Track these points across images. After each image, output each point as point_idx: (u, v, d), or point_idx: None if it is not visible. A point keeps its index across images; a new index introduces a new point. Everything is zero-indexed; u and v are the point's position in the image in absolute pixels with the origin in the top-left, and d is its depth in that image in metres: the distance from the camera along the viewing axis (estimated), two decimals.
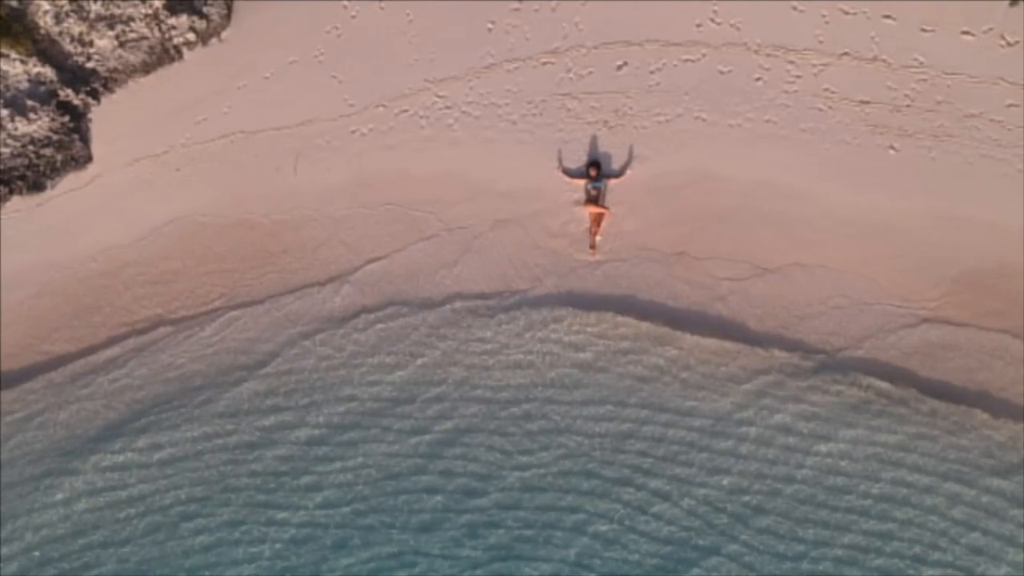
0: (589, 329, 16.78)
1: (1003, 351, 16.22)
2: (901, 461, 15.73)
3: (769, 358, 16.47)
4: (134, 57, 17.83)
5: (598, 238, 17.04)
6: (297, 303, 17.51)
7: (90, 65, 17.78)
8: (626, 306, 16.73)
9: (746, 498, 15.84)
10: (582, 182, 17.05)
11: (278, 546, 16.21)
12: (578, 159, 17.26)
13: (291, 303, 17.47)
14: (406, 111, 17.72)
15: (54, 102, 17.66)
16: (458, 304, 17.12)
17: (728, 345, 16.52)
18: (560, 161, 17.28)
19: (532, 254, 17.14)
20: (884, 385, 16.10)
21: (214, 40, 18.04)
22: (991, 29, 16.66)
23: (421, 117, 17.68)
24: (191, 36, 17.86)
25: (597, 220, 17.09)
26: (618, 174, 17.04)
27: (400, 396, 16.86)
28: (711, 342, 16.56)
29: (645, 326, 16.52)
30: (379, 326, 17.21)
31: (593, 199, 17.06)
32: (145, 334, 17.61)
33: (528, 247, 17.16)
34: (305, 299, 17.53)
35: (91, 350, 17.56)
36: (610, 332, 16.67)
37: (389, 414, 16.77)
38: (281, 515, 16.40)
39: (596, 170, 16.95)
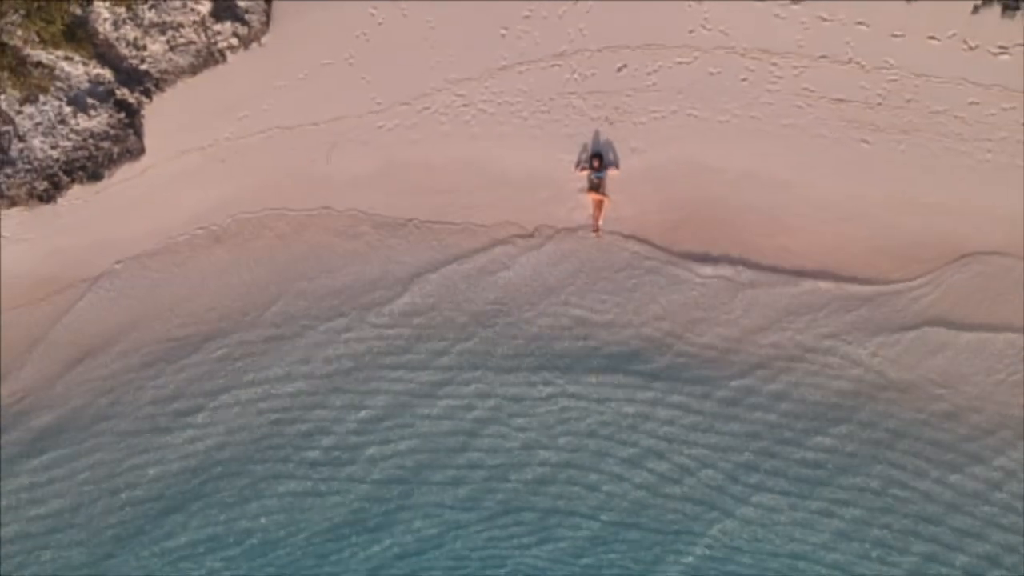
0: None
1: None
2: None
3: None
4: (183, 60, 19.71)
5: (600, 222, 18.92)
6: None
7: (144, 67, 19.68)
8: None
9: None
10: (586, 172, 18.93)
11: None
12: (583, 150, 19.16)
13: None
14: (428, 108, 19.55)
15: (111, 100, 19.58)
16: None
17: None
18: (580, 158, 19.12)
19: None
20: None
21: (255, 44, 19.85)
22: (954, 34, 18.40)
23: (441, 114, 19.52)
24: (234, 41, 19.69)
25: (599, 206, 18.97)
26: (617, 165, 18.91)
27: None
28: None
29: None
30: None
31: (596, 187, 18.90)
32: None
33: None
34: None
35: None
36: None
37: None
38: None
39: (599, 161, 18.82)
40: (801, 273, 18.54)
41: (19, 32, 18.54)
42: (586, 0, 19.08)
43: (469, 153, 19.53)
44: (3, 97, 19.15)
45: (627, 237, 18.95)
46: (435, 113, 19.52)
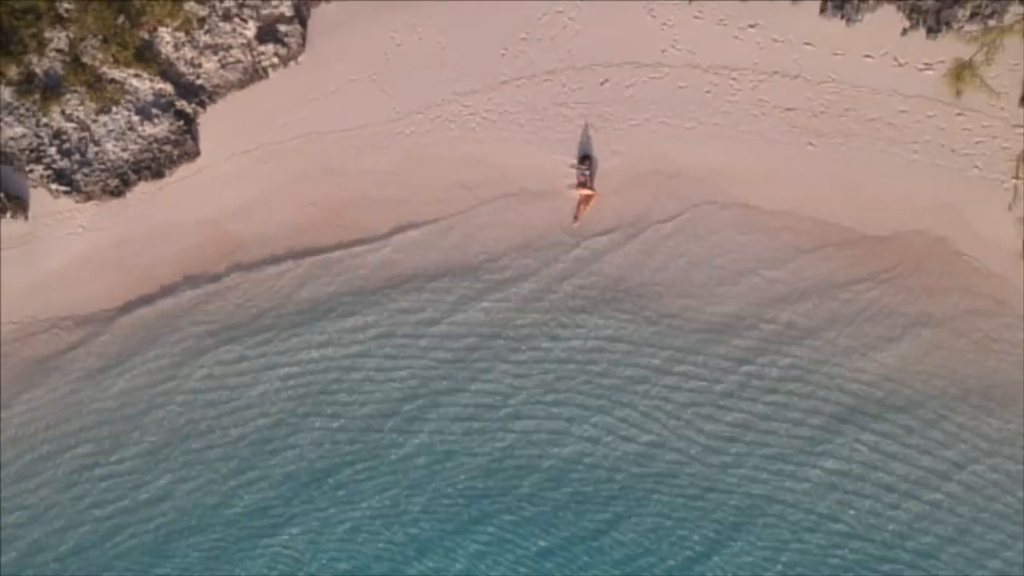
0: None
1: None
2: None
3: None
4: (232, 76, 23.31)
5: (587, 212, 22.23)
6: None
7: (199, 82, 23.30)
8: None
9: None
10: (574, 171, 22.29)
11: None
12: (572, 153, 22.50)
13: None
14: (439, 117, 23.04)
15: (172, 110, 23.18)
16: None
17: None
18: (576, 158, 22.41)
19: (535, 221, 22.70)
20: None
21: (293, 63, 23.49)
22: (886, 53, 21.70)
23: (450, 122, 23.02)
24: (275, 60, 23.31)
25: (586, 200, 22.31)
26: (597, 165, 22.21)
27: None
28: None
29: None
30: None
31: (583, 183, 22.27)
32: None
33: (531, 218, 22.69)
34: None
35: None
36: None
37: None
38: None
39: (586, 161, 22.17)
40: None
41: (98, 54, 22.08)
42: (574, 24, 22.46)
43: (474, 153, 22.91)
44: (82, 108, 22.74)
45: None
46: (445, 121, 23.04)
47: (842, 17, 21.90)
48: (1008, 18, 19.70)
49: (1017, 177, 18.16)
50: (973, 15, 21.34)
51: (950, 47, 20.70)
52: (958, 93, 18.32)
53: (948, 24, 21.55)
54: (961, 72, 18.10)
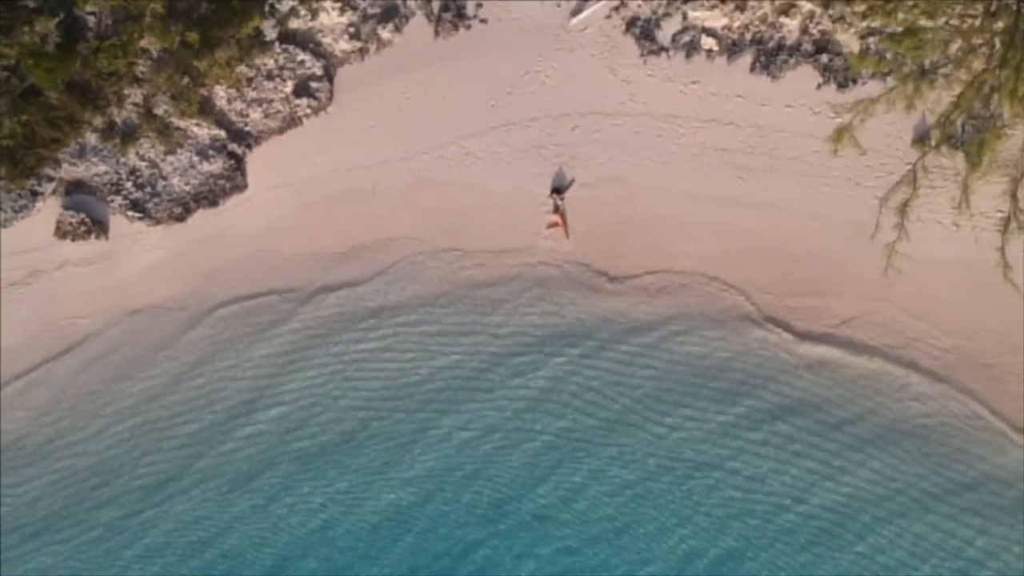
0: None
1: None
2: None
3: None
4: (273, 123, 27.78)
5: (556, 231, 26.97)
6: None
7: (247, 129, 27.84)
8: None
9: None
10: (551, 199, 27.17)
11: None
12: (547, 184, 27.19)
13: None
14: (442, 156, 27.31)
15: (225, 152, 27.82)
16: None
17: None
18: (551, 188, 26.85)
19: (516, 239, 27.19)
20: None
21: (323, 113, 27.53)
22: (804, 104, 26.00)
23: (450, 160, 27.34)
24: (308, 110, 27.64)
25: (557, 222, 27.12)
26: (567, 195, 27.04)
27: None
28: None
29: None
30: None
31: (557, 209, 27.18)
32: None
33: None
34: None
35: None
36: None
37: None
38: None
39: (559, 192, 27.10)
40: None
41: (167, 108, 27.32)
42: (550, 80, 27.27)
43: (469, 185, 27.54)
44: (153, 150, 27.86)
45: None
46: (446, 159, 27.32)
47: (768, 74, 26.14)
48: (890, 82, 24.31)
49: (881, 209, 22.57)
50: (873, 74, 26.22)
51: (855, 98, 25.26)
52: (835, 151, 22.76)
53: (854, 80, 26.27)
54: (840, 134, 22.55)
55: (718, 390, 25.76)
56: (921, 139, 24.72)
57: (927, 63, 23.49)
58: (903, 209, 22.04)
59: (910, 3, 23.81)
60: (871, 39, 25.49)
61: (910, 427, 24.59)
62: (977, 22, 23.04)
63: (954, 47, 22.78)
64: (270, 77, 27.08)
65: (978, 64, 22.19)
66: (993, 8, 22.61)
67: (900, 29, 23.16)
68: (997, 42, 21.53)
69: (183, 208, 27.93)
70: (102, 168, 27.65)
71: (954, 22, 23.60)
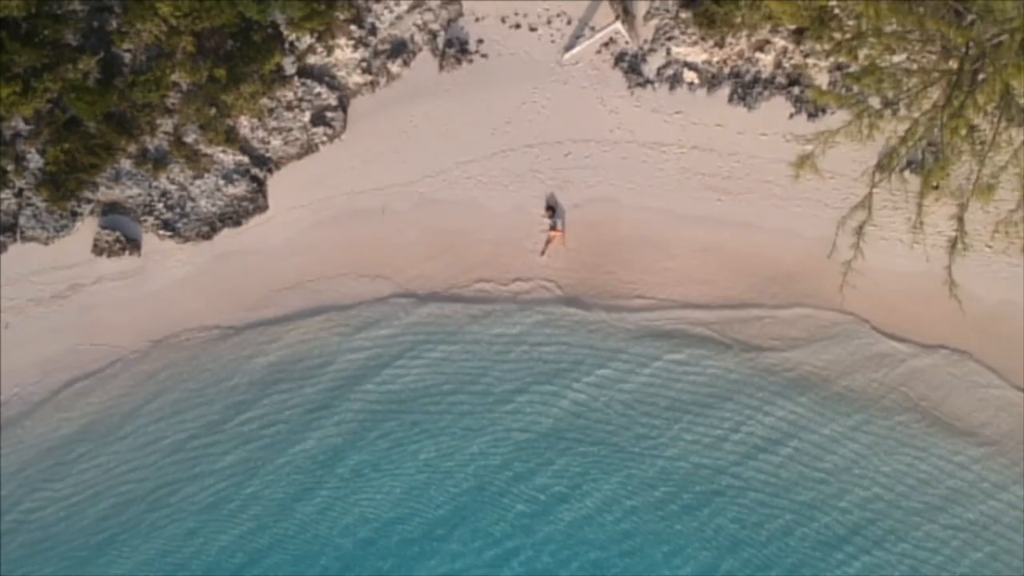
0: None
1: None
2: None
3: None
4: (292, 150, 30.20)
5: (551, 250, 29.41)
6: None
7: (268, 154, 30.24)
8: None
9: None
10: (546, 219, 29.62)
11: None
12: (542, 205, 29.61)
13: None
14: (445, 180, 29.59)
15: (248, 176, 30.25)
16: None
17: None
18: (544, 208, 29.28)
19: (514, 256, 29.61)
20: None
21: (337, 140, 29.66)
22: (777, 132, 28.42)
23: (453, 183, 29.58)
24: (324, 138, 29.74)
25: (551, 241, 29.54)
26: (562, 215, 29.51)
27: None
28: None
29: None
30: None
31: (552, 228, 29.63)
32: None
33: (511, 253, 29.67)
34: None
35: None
36: None
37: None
38: None
39: (552, 211, 29.56)
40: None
41: (195, 136, 29.89)
42: (545, 110, 29.70)
43: (471, 205, 29.95)
44: (182, 174, 30.39)
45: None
46: (449, 182, 29.65)
47: (744, 105, 28.32)
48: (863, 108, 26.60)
49: (838, 230, 24.89)
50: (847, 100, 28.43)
51: (825, 127, 27.46)
52: (797, 177, 25.11)
53: (823, 110, 28.55)
54: (802, 162, 24.86)
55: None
56: (881, 166, 27.00)
57: (886, 98, 25.85)
58: (859, 231, 24.30)
59: (873, 40, 26.18)
60: (838, 72, 27.87)
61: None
62: (934, 58, 25.39)
63: (909, 84, 25.10)
64: (289, 108, 29.32)
65: (927, 102, 24.51)
66: (947, 48, 24.91)
67: (860, 68, 25.49)
68: (944, 82, 23.81)
69: (209, 227, 30.08)
70: (136, 191, 29.88)
71: (914, 57, 26.01)
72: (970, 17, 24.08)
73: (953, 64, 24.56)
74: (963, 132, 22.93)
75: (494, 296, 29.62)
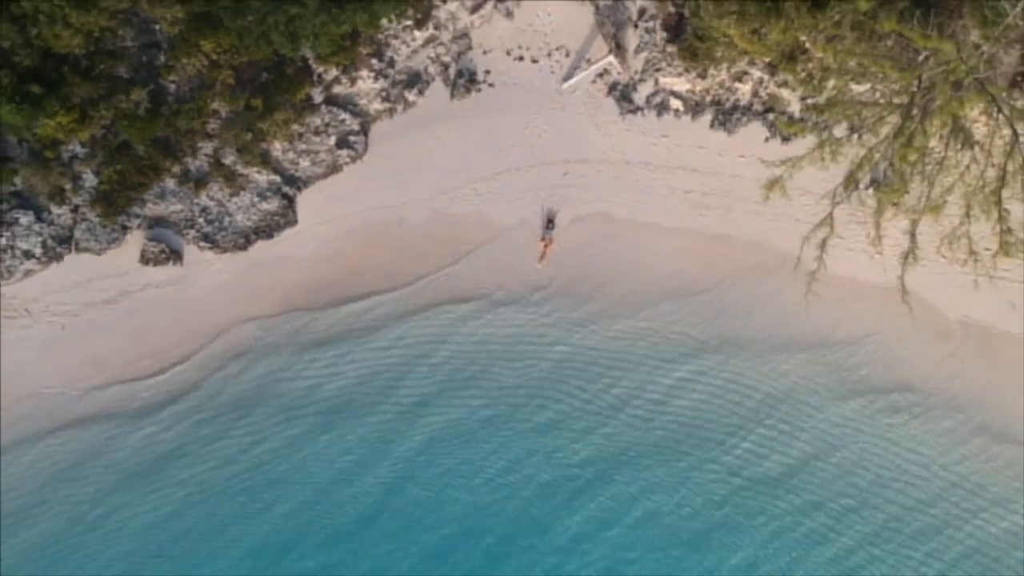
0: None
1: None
2: None
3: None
4: (319, 170, 33.41)
5: (548, 258, 32.74)
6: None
7: (297, 174, 33.57)
8: None
9: None
10: (548, 230, 32.95)
11: None
12: (542, 219, 33.03)
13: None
14: (457, 196, 32.95)
15: (280, 193, 33.62)
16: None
17: None
18: (543, 222, 32.70)
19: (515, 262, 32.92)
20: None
21: (359, 161, 32.86)
22: (754, 154, 31.69)
23: (463, 199, 32.95)
24: (348, 159, 32.95)
25: (548, 251, 32.86)
26: (555, 226, 32.73)
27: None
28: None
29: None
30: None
31: (548, 237, 32.96)
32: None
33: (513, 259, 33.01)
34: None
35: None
36: None
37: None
38: None
39: (550, 223, 32.90)
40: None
41: (233, 158, 33.34)
42: (546, 134, 32.81)
43: (479, 218, 33.33)
44: (221, 192, 33.83)
45: None
46: (459, 199, 32.94)
47: (724, 130, 31.57)
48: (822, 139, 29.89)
49: (803, 245, 28.08)
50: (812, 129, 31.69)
51: (797, 150, 30.65)
52: (766, 198, 28.26)
53: (796, 135, 31.99)
54: (772, 184, 28.00)
55: None
56: (844, 185, 30.24)
57: (851, 125, 29.05)
58: (822, 245, 27.54)
59: (837, 72, 29.38)
60: (807, 102, 31.11)
61: None
62: (895, 88, 28.54)
63: (868, 115, 28.31)
64: (317, 133, 32.54)
65: (886, 128, 27.72)
66: (902, 85, 28.03)
67: (825, 100, 28.72)
68: (898, 115, 27.02)
69: (245, 239, 33.18)
70: (179, 207, 32.92)
71: (876, 87, 29.21)
72: (923, 55, 27.36)
73: (906, 98, 27.79)
74: (912, 159, 26.11)
75: (494, 296, 32.80)
